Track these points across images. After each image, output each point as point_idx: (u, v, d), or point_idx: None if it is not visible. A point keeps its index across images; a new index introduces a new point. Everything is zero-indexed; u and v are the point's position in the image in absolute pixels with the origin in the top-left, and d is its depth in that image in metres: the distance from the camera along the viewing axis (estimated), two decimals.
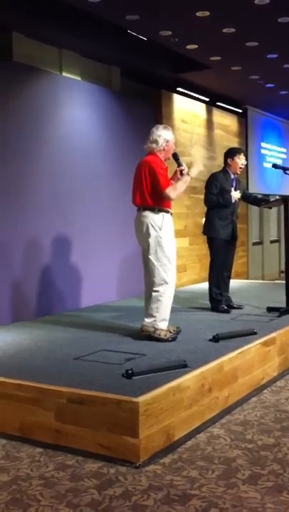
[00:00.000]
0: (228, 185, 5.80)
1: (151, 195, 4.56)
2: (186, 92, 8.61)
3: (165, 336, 4.54)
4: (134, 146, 7.20)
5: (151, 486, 2.79)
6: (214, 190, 5.76)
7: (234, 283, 6.60)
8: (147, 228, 4.55)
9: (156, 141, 4.63)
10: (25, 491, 2.77)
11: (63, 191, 6.29)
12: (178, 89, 8.44)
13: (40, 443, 3.30)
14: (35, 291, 5.98)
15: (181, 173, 4.76)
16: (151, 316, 4.58)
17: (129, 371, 3.50)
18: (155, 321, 4.57)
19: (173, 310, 4.76)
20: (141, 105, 7.60)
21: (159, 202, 4.57)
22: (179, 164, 4.76)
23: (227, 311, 5.73)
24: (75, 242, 6.43)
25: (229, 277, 6.07)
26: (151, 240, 4.54)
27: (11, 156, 5.68)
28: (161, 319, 4.59)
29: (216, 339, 4.44)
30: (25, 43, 6.03)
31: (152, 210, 4.55)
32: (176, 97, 8.40)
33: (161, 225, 4.54)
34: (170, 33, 6.26)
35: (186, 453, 3.17)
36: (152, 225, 4.54)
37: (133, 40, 6.45)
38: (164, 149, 4.65)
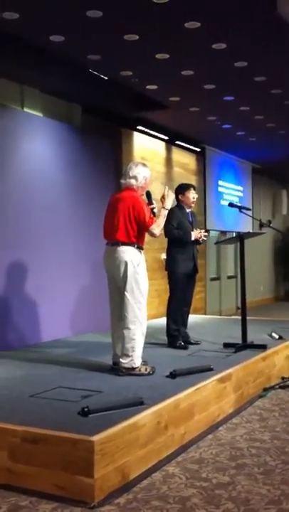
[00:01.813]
0: (185, 218, 5.94)
1: (134, 231, 4.60)
2: (146, 130, 8.78)
3: (146, 370, 4.59)
4: (94, 182, 7.28)
5: None
6: (174, 222, 5.86)
7: (192, 318, 6.64)
8: (126, 265, 4.56)
9: (135, 178, 4.71)
10: None
11: (20, 225, 6.25)
12: (138, 127, 8.60)
13: None
14: None
15: (152, 212, 4.80)
16: (127, 356, 4.58)
17: (85, 409, 3.47)
18: (132, 360, 4.58)
19: None
20: (101, 142, 7.70)
21: (139, 239, 4.65)
22: (150, 203, 4.84)
23: (184, 347, 5.76)
24: (32, 276, 6.37)
25: (188, 312, 6.13)
26: (129, 277, 4.55)
27: None
28: (137, 357, 4.60)
29: (172, 375, 4.45)
30: None
31: (132, 246, 4.59)
32: (136, 134, 8.55)
33: (139, 262, 4.60)
34: (130, 73, 6.42)
35: (142, 492, 3.14)
36: (132, 262, 4.56)
37: (94, 78, 6.57)
38: (142, 186, 4.76)
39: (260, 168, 12.91)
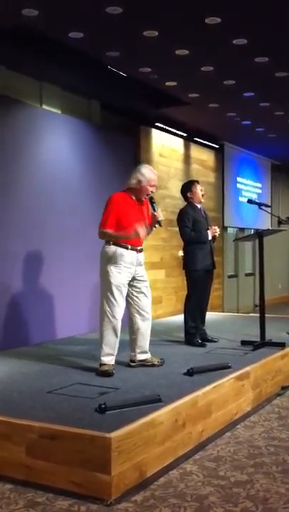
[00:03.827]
0: (198, 216, 5.91)
1: None
2: (164, 127, 8.75)
3: (103, 369, 4.52)
4: (113, 179, 7.26)
5: None
6: (188, 223, 5.84)
7: (209, 315, 6.61)
8: (100, 260, 4.69)
9: (131, 178, 4.75)
10: None
11: (39, 221, 6.28)
12: (157, 124, 8.58)
13: (10, 479, 3.23)
14: (8, 322, 5.92)
15: (154, 219, 4.72)
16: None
17: (103, 405, 3.47)
18: (100, 355, 4.60)
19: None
20: (120, 139, 7.69)
21: None
22: (154, 209, 4.76)
23: (202, 345, 5.74)
24: (49, 272, 6.39)
25: (205, 310, 6.10)
26: (100, 272, 4.67)
27: None
28: (105, 353, 4.59)
29: (190, 373, 4.43)
30: (6, 75, 6.10)
31: (107, 242, 4.68)
32: (154, 131, 8.53)
33: (110, 258, 4.61)
34: (150, 69, 6.40)
35: (159, 490, 3.14)
36: (103, 258, 4.65)
37: (113, 75, 6.56)
38: (136, 188, 4.73)
39: (279, 165, 12.81)
